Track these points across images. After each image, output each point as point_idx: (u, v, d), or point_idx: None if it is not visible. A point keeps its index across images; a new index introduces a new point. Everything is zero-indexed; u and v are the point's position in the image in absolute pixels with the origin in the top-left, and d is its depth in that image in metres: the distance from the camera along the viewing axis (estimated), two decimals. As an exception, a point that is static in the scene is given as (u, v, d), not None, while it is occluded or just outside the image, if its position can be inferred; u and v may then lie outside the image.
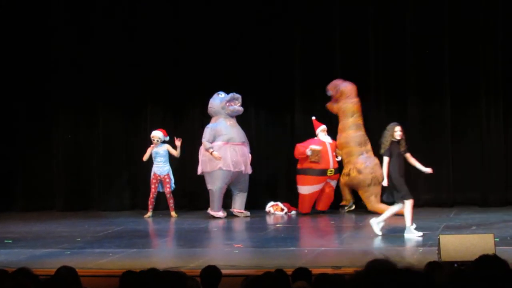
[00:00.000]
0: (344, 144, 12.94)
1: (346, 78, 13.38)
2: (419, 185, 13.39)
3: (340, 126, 13.07)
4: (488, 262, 4.04)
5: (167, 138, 13.26)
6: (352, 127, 12.95)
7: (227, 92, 13.07)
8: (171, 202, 13.19)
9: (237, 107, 13.01)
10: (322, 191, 13.06)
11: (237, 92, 13.07)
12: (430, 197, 13.34)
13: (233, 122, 13.06)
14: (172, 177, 13.23)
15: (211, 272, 5.67)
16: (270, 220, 12.82)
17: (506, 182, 13.24)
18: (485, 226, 10.91)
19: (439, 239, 7.93)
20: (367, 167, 12.76)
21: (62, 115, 14.44)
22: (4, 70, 14.39)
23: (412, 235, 10.16)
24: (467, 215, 12.15)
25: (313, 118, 13.20)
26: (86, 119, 14.49)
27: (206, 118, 13.49)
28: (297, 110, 13.85)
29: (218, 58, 13.86)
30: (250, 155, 13.07)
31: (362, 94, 13.07)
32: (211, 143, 12.83)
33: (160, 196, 13.43)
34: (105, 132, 14.34)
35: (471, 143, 13.37)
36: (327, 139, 13.06)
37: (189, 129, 14.07)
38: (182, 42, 14.01)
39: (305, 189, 12.96)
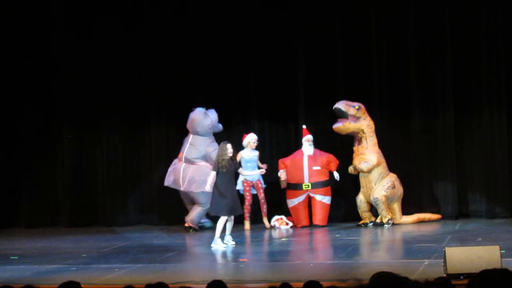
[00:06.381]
0: (381, 159, 12.89)
1: (349, 90, 13.39)
2: (423, 197, 13.39)
3: (371, 143, 12.89)
4: (493, 274, 4.03)
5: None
6: (376, 143, 12.98)
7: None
8: (264, 208, 13.23)
9: None
10: (313, 205, 13.10)
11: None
12: (434, 209, 13.30)
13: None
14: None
15: (217, 287, 5.66)
16: (275, 234, 12.80)
17: (511, 193, 13.20)
18: (491, 238, 10.88)
19: (444, 251, 7.92)
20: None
21: (66, 130, 14.45)
22: (7, 87, 14.43)
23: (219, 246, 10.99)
24: (472, 227, 12.13)
25: (304, 126, 13.19)
26: (90, 134, 14.48)
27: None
28: (300, 123, 13.80)
29: (221, 71, 13.89)
30: (190, 173, 13.03)
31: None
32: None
33: (175, 210, 13.56)
34: (110, 147, 14.34)
35: (475, 154, 13.34)
36: (308, 151, 13.06)
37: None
38: (184, 54, 14.00)
39: (288, 201, 13.27)
